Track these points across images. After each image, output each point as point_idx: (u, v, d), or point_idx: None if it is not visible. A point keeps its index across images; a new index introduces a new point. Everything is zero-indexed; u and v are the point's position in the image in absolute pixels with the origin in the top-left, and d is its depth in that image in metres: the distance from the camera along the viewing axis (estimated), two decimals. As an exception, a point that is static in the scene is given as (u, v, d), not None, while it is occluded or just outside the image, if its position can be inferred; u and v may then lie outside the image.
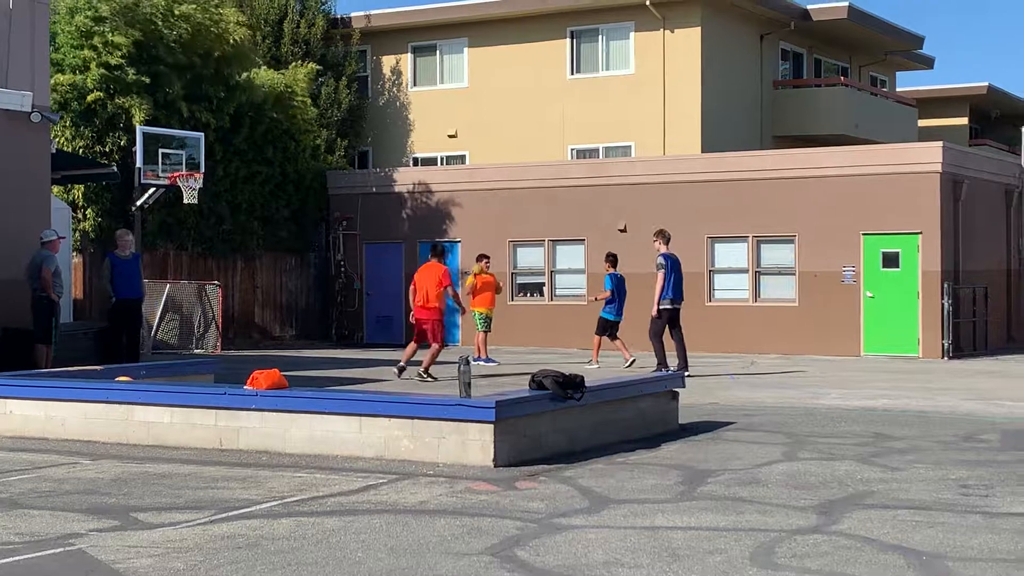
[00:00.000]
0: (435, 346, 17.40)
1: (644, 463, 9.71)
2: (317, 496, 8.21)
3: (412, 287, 17.74)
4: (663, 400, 11.73)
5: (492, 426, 9.33)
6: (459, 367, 9.79)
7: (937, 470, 9.31)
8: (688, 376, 17.41)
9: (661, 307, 18.07)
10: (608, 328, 20.29)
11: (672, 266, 18.07)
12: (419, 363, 17.47)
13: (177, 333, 24.68)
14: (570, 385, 10.15)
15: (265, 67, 27.79)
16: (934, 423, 12.35)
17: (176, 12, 24.28)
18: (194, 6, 24.53)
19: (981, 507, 7.81)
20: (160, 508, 7.84)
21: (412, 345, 17.78)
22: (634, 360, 19.80)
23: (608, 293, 20.24)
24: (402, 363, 17.63)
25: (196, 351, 24.49)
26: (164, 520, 7.44)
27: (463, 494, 8.26)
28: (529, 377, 10.26)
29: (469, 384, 9.76)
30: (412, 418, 9.69)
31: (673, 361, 18.07)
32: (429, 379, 17.03)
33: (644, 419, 11.34)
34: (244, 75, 25.95)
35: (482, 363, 20.45)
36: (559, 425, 10.15)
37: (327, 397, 10.28)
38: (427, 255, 27.56)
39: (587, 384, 10.37)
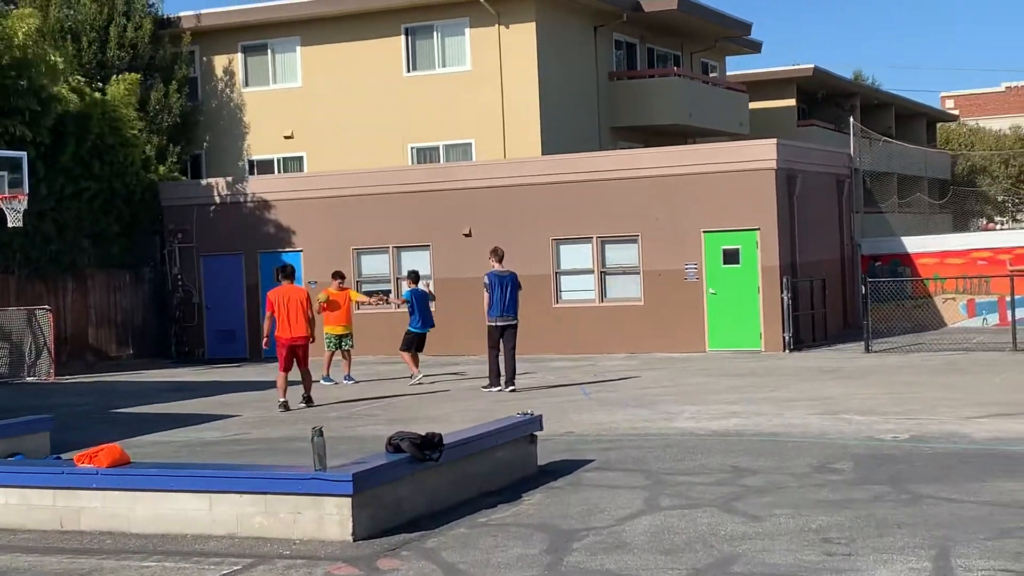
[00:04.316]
0: (307, 368, 17.64)
1: (507, 523, 9.53)
2: (169, 599, 7.80)
3: (277, 311, 17.20)
4: (522, 445, 11.57)
5: (350, 499, 9.02)
6: (312, 439, 9.43)
7: (797, 518, 9.36)
8: (512, 391, 17.84)
9: (489, 324, 18.47)
10: (415, 341, 20.14)
11: (497, 284, 18.39)
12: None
13: (7, 362, 23.58)
14: (428, 446, 9.90)
15: (79, 79, 26.43)
16: (787, 450, 12.48)
17: None
18: None
19: (845, 570, 7.85)
20: (-1, 630, 7.33)
21: (283, 374, 17.40)
22: (421, 378, 19.94)
23: (403, 301, 20.70)
24: (283, 398, 17.29)
25: (28, 379, 23.45)
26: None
27: (324, 585, 7.95)
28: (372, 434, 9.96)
29: (323, 456, 9.40)
30: (265, 493, 9.30)
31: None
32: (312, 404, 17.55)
33: (504, 468, 11.17)
34: (56, 88, 24.58)
35: (323, 382, 20.33)
36: (418, 487, 9.89)
37: (172, 474, 9.79)
38: (271, 267, 27.19)
39: (445, 441, 10.14)
